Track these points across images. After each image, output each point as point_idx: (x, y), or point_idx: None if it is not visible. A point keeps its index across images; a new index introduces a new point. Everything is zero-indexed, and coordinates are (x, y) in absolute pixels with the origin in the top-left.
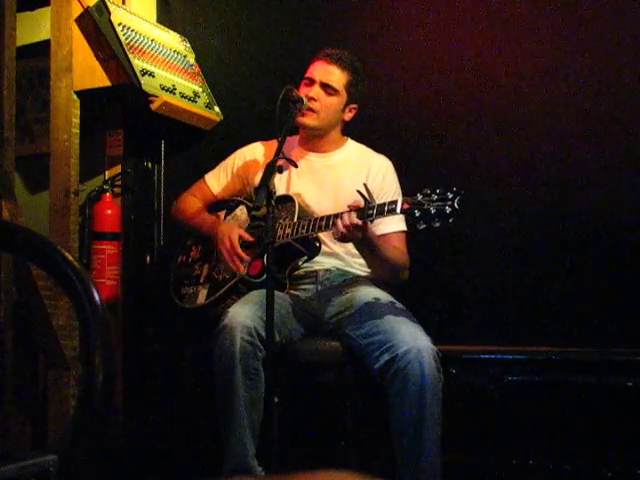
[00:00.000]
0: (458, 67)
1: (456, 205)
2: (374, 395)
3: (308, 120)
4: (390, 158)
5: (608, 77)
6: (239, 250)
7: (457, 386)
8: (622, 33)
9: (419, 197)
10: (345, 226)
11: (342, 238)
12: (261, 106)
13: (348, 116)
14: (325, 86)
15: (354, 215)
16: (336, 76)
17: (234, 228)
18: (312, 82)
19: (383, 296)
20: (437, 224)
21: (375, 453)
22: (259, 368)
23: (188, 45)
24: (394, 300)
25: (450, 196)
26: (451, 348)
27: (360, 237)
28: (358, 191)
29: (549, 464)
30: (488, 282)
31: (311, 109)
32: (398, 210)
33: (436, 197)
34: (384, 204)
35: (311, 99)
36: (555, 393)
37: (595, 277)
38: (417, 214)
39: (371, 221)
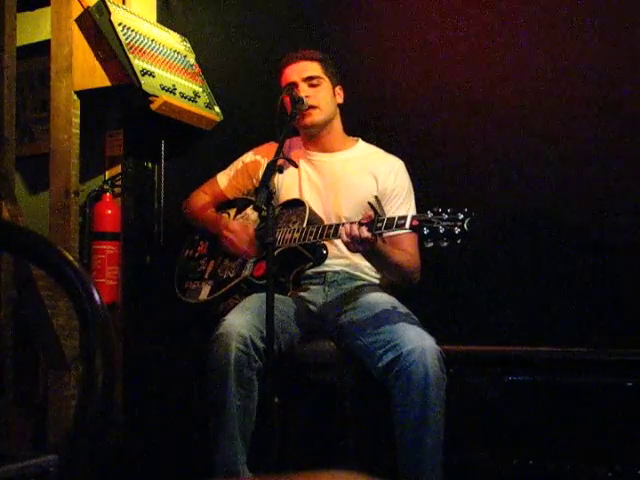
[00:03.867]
0: (469, 72)
1: (466, 227)
2: (374, 395)
3: (314, 118)
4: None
5: (614, 78)
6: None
7: (457, 386)
8: (623, 32)
9: (429, 215)
10: (350, 237)
11: (350, 249)
12: (261, 106)
13: (339, 98)
14: (308, 79)
15: (364, 228)
16: (310, 67)
17: (243, 226)
18: (294, 85)
19: (388, 299)
20: (445, 244)
21: (375, 453)
22: (253, 378)
23: (188, 45)
24: (398, 303)
25: (460, 217)
26: (451, 348)
27: (368, 249)
28: (369, 202)
29: (549, 464)
30: (488, 282)
31: (311, 106)
32: (407, 226)
33: (446, 216)
34: (393, 218)
35: (306, 97)
36: (555, 393)
37: (595, 277)
38: (426, 232)
39: (380, 234)
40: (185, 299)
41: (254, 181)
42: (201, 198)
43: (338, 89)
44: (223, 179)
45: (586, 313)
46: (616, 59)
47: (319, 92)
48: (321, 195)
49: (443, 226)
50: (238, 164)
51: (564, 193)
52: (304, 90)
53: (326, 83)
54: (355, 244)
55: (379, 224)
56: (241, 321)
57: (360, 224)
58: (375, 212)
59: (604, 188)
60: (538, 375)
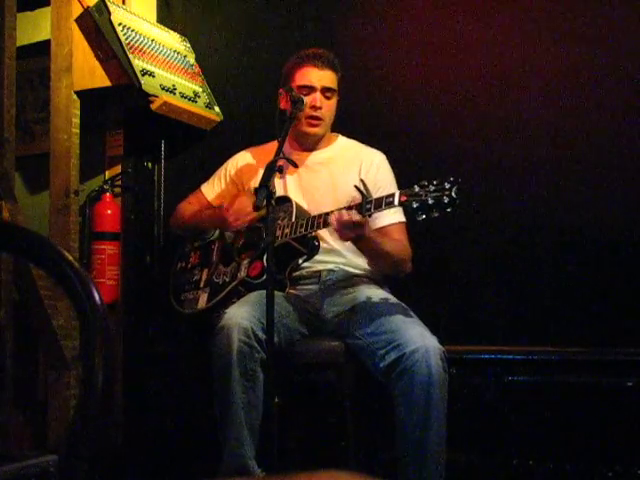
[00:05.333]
0: (453, 62)
1: (454, 194)
2: (374, 395)
3: (318, 130)
4: (385, 153)
5: (613, 78)
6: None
7: (457, 386)
8: (626, 32)
9: (416, 189)
10: (341, 222)
11: (342, 236)
12: (261, 106)
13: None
14: (326, 90)
15: (354, 212)
16: (332, 78)
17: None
18: (312, 89)
19: (387, 296)
20: (436, 214)
21: (375, 453)
22: (256, 369)
23: (188, 45)
24: (398, 300)
25: (447, 186)
26: (451, 348)
27: (360, 234)
28: (355, 186)
29: (549, 464)
30: (488, 282)
31: (318, 117)
32: (396, 202)
33: (433, 188)
34: (382, 197)
35: (318, 108)
36: (555, 393)
37: (595, 277)
38: (415, 205)
39: (369, 215)
40: (184, 310)
41: (239, 187)
42: (190, 207)
43: (337, 100)
44: (208, 190)
45: (586, 313)
46: (618, 57)
47: (330, 106)
48: (305, 193)
49: (432, 197)
50: (221, 173)
51: (564, 193)
52: (320, 100)
53: (336, 97)
54: (346, 230)
55: (368, 205)
56: (242, 313)
57: (348, 208)
58: (362, 194)
59: (604, 188)
60: (538, 375)
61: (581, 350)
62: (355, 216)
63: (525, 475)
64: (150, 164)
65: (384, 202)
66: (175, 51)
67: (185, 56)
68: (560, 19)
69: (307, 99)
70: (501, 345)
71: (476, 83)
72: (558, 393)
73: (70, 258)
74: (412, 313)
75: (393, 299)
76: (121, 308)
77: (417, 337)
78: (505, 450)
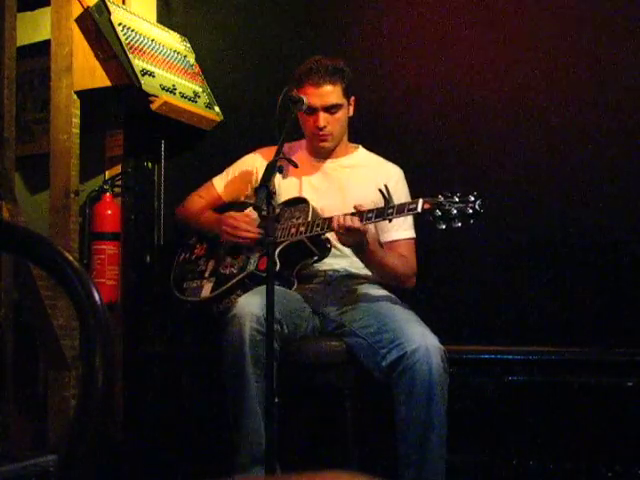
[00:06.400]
0: (466, 73)
1: (477, 207)
2: (375, 395)
3: (327, 144)
4: (399, 163)
5: (614, 80)
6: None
7: (457, 386)
8: (626, 30)
9: (440, 198)
10: (343, 227)
11: (341, 240)
12: (261, 106)
13: (351, 110)
14: (329, 107)
15: (356, 218)
16: (333, 93)
17: (242, 213)
18: (314, 111)
19: (389, 296)
20: (458, 224)
21: (376, 453)
22: None
23: (188, 45)
24: (399, 300)
25: (472, 199)
26: (451, 348)
27: (358, 241)
28: (379, 190)
29: (549, 464)
30: (488, 282)
31: (325, 134)
32: (419, 209)
33: (457, 199)
34: (405, 204)
35: (323, 128)
36: (555, 393)
37: (595, 277)
38: (438, 213)
39: (390, 220)
40: (186, 298)
41: (251, 185)
42: (197, 202)
43: (351, 100)
44: (220, 183)
45: (586, 313)
46: (622, 56)
47: (337, 120)
48: (322, 199)
49: (455, 208)
50: (234, 168)
51: (564, 193)
52: (323, 119)
53: (344, 107)
54: (345, 234)
55: (390, 210)
56: (255, 301)
57: (352, 214)
58: (385, 199)
59: (604, 188)
60: (538, 375)
61: (581, 350)
62: (356, 222)
63: (525, 475)
64: (150, 164)
65: (407, 208)
66: (175, 51)
67: (185, 56)
68: (564, 18)
69: (312, 118)
70: (501, 345)
71: (488, 90)
72: (558, 393)
73: (70, 258)
74: (413, 313)
75: (395, 299)
76: (121, 308)
77: (418, 336)
78: (505, 450)
